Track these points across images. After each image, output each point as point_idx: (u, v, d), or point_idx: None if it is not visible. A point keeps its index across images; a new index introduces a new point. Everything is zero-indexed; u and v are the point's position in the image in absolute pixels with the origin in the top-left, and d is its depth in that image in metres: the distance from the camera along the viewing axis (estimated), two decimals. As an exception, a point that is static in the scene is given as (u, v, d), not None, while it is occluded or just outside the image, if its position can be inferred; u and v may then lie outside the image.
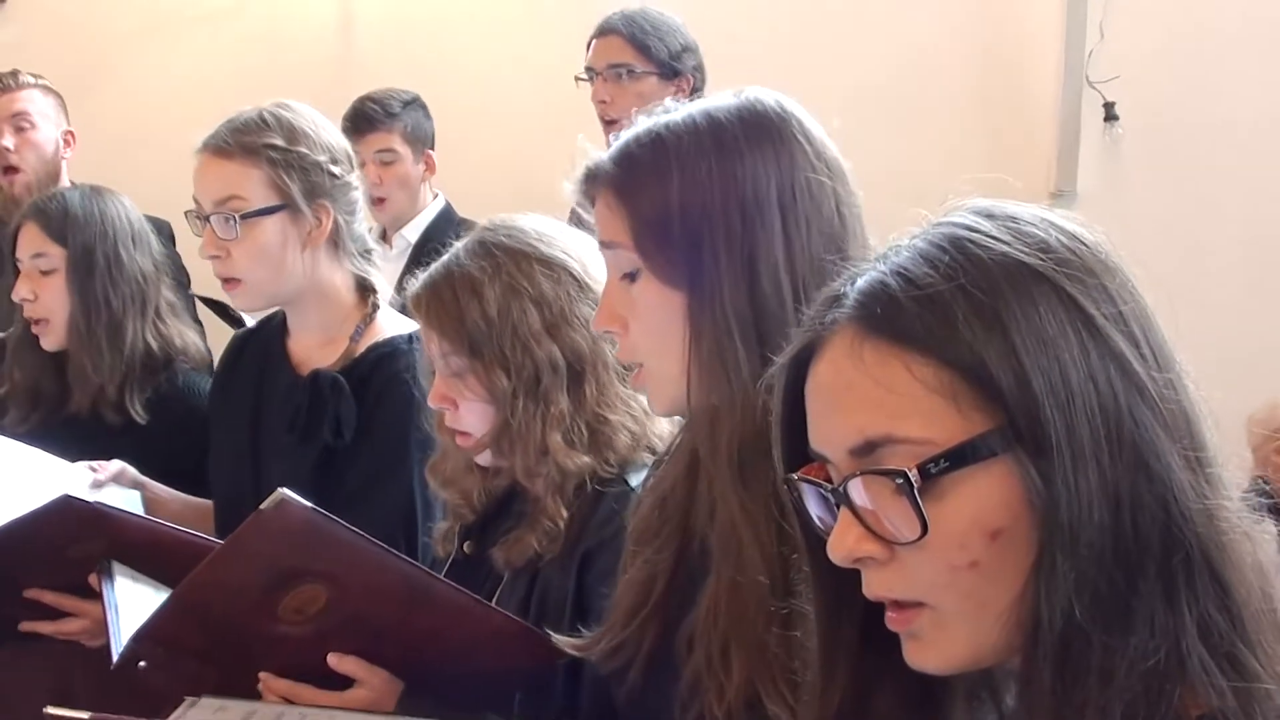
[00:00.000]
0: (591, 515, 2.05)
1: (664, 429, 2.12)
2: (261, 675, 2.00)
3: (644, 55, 3.86)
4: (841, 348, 1.12)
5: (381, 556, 1.95)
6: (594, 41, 3.94)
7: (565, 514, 2.06)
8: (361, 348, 2.70)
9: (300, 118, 2.72)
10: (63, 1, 5.85)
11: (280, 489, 1.87)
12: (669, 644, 1.66)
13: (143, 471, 2.90)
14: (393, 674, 2.00)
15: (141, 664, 2.07)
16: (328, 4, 5.58)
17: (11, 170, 4.33)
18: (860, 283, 1.14)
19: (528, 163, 5.21)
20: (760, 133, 1.61)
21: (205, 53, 5.68)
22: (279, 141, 2.66)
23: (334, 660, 1.98)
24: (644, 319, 1.63)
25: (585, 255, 2.14)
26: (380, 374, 2.66)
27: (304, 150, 2.67)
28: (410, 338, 2.69)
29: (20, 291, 3.09)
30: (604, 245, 1.66)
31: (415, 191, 4.46)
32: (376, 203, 4.39)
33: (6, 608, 2.62)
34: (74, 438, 2.98)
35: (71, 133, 4.45)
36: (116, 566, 2.36)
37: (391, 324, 2.75)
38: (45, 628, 2.61)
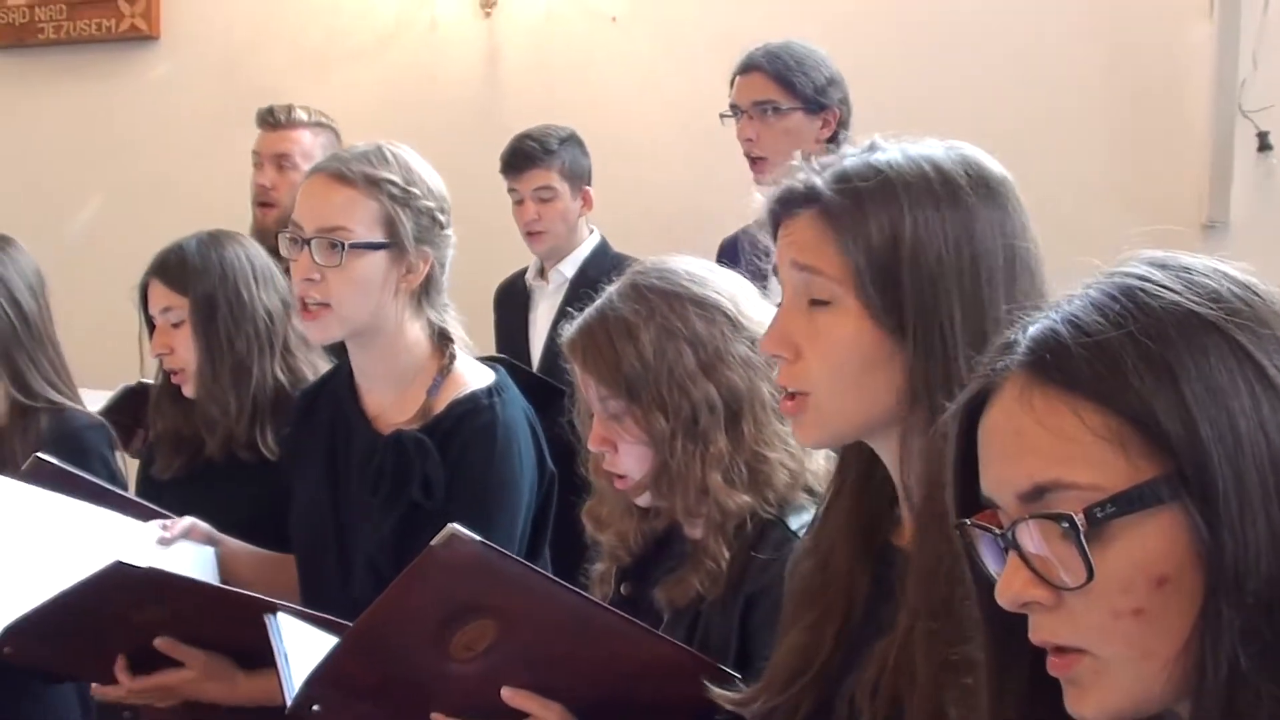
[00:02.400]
0: (753, 557, 2.05)
1: (820, 467, 2.11)
2: (434, 716, 2.01)
3: (789, 91, 3.82)
4: (1013, 394, 1.14)
5: (551, 588, 1.96)
6: (737, 78, 3.91)
7: (727, 554, 2.06)
8: (441, 403, 2.67)
9: (417, 162, 2.71)
10: (215, 38, 5.99)
11: (450, 524, 1.88)
12: (828, 708, 1.65)
13: (280, 506, 2.93)
14: (566, 707, 1.99)
15: (315, 708, 2.08)
16: (473, 41, 5.64)
17: (268, 205, 4.42)
18: (1032, 330, 1.15)
19: (675, 198, 5.27)
20: (987, 192, 1.58)
21: (353, 89, 5.76)
22: (398, 179, 2.65)
23: (508, 695, 1.98)
24: (829, 351, 1.59)
25: (737, 294, 2.14)
26: (463, 431, 2.63)
27: (418, 192, 2.66)
28: (491, 390, 2.68)
29: (156, 346, 3.13)
30: (797, 267, 1.60)
31: (573, 227, 4.48)
32: (533, 236, 4.43)
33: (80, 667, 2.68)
34: (215, 480, 3.04)
35: None
36: (282, 615, 2.39)
37: (471, 375, 2.72)
38: (112, 694, 2.65)
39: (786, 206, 1.63)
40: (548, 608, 1.96)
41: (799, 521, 2.06)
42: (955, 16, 5.11)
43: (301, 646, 2.31)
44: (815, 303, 1.60)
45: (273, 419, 3.08)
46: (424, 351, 2.72)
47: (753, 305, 2.15)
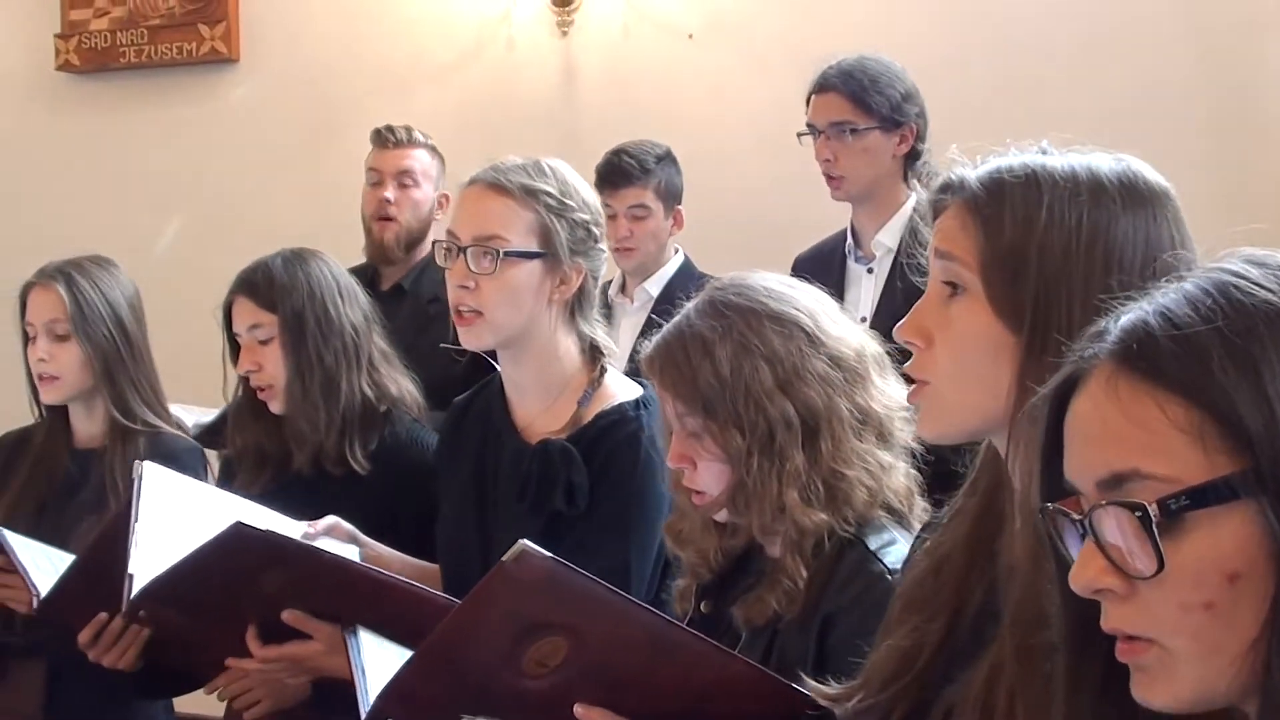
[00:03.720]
0: (831, 576, 2.04)
1: (900, 485, 2.11)
2: None
3: (864, 111, 3.80)
4: (1099, 382, 1.14)
5: (623, 605, 1.95)
6: (813, 98, 3.89)
7: (804, 573, 2.05)
8: (590, 414, 2.69)
9: (572, 175, 2.73)
10: (294, 60, 6.04)
11: (521, 540, 1.87)
12: (923, 713, 1.63)
13: (368, 520, 2.95)
14: None
15: None
16: (550, 59, 5.66)
17: (386, 220, 4.48)
18: (1123, 319, 1.16)
19: (752, 214, 5.26)
20: (1137, 200, 1.55)
21: (431, 109, 5.78)
22: (554, 190, 2.66)
23: (580, 711, 1.97)
24: (956, 342, 1.58)
25: (817, 310, 2.14)
26: (608, 441, 2.66)
27: (573, 204, 2.68)
28: (638, 403, 2.70)
29: (244, 364, 3.16)
30: (938, 254, 1.60)
31: (663, 246, 4.48)
32: (622, 252, 4.43)
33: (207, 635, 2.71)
34: (301, 495, 3.05)
35: (446, 195, 4.53)
36: (361, 629, 2.40)
37: (620, 388, 2.74)
38: (248, 664, 2.67)
39: (940, 197, 1.63)
40: (620, 625, 1.95)
41: (878, 541, 2.06)
42: (1038, 22, 5.07)
43: (380, 661, 2.32)
44: (952, 291, 1.59)
45: (361, 433, 3.11)
46: (574, 363, 2.75)
47: (833, 322, 2.14)
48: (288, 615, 2.57)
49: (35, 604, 2.91)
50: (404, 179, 4.52)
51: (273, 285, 3.13)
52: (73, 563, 2.90)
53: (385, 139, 4.58)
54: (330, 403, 3.10)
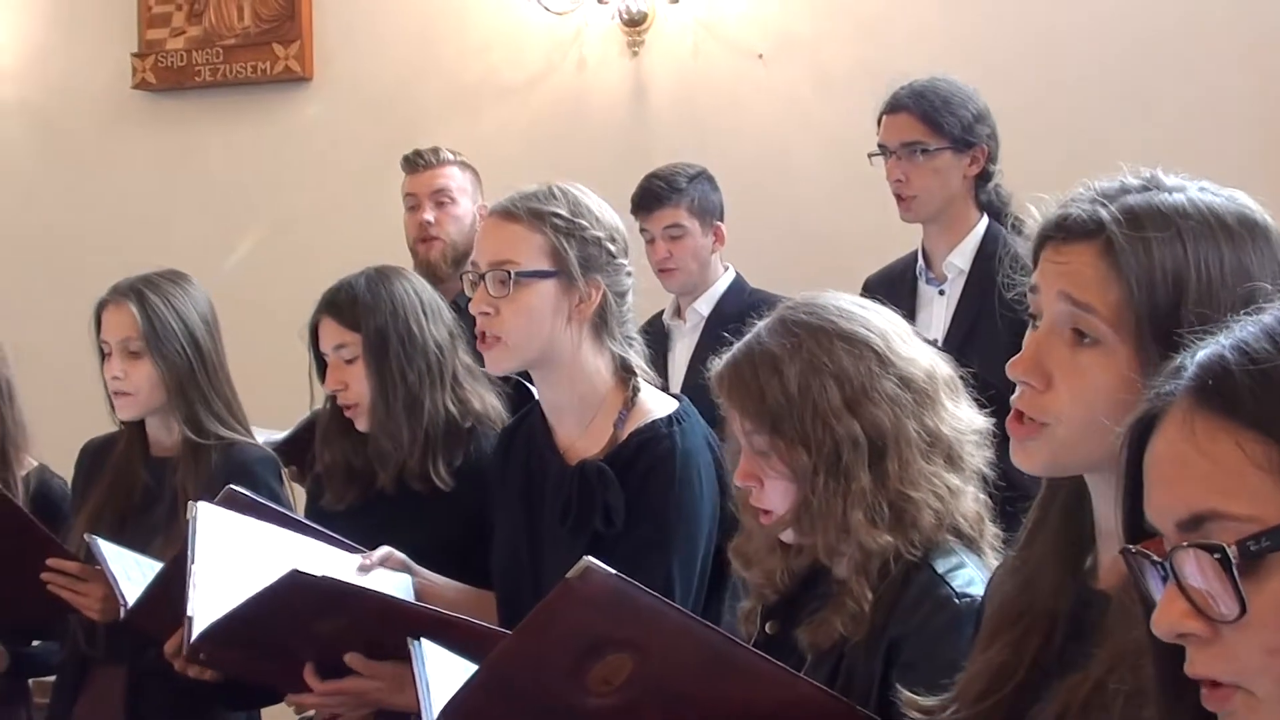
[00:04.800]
0: (898, 600, 2.02)
1: (969, 509, 2.09)
2: None
3: (936, 131, 3.79)
4: (1176, 420, 1.11)
5: (688, 624, 1.94)
6: (884, 118, 3.88)
7: (870, 595, 2.03)
8: (625, 433, 2.71)
9: (586, 196, 2.77)
10: (366, 79, 6.08)
11: (585, 558, 1.88)
12: None
13: (451, 537, 2.99)
14: None
15: None
16: (620, 79, 5.67)
17: (430, 239, 4.52)
18: (1200, 355, 1.13)
19: (822, 234, 5.26)
20: (1259, 235, 1.52)
21: (502, 128, 5.82)
22: (563, 211, 2.70)
23: None
24: (1089, 393, 1.53)
25: (888, 331, 2.12)
26: (643, 459, 2.67)
27: (585, 223, 2.71)
28: (671, 419, 2.71)
29: (330, 383, 3.18)
30: (1068, 299, 1.54)
31: (706, 264, 4.47)
32: (665, 274, 4.43)
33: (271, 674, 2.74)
34: (386, 511, 3.08)
35: (485, 206, 4.56)
36: (426, 644, 2.40)
37: (655, 404, 2.76)
38: (309, 700, 2.70)
39: (1064, 233, 1.56)
40: (685, 643, 1.94)
41: (946, 564, 2.04)
42: (1107, 46, 5.05)
43: (445, 674, 2.33)
44: (1080, 338, 1.54)
45: (444, 450, 3.13)
46: (606, 383, 2.77)
47: (904, 342, 2.13)
48: (350, 659, 2.60)
49: (124, 613, 2.95)
50: (440, 198, 4.55)
51: (356, 305, 3.16)
52: (158, 574, 2.94)
53: (415, 163, 4.62)
54: (414, 420, 3.12)
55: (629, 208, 4.88)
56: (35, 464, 3.71)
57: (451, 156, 4.62)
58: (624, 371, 2.78)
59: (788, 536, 2.15)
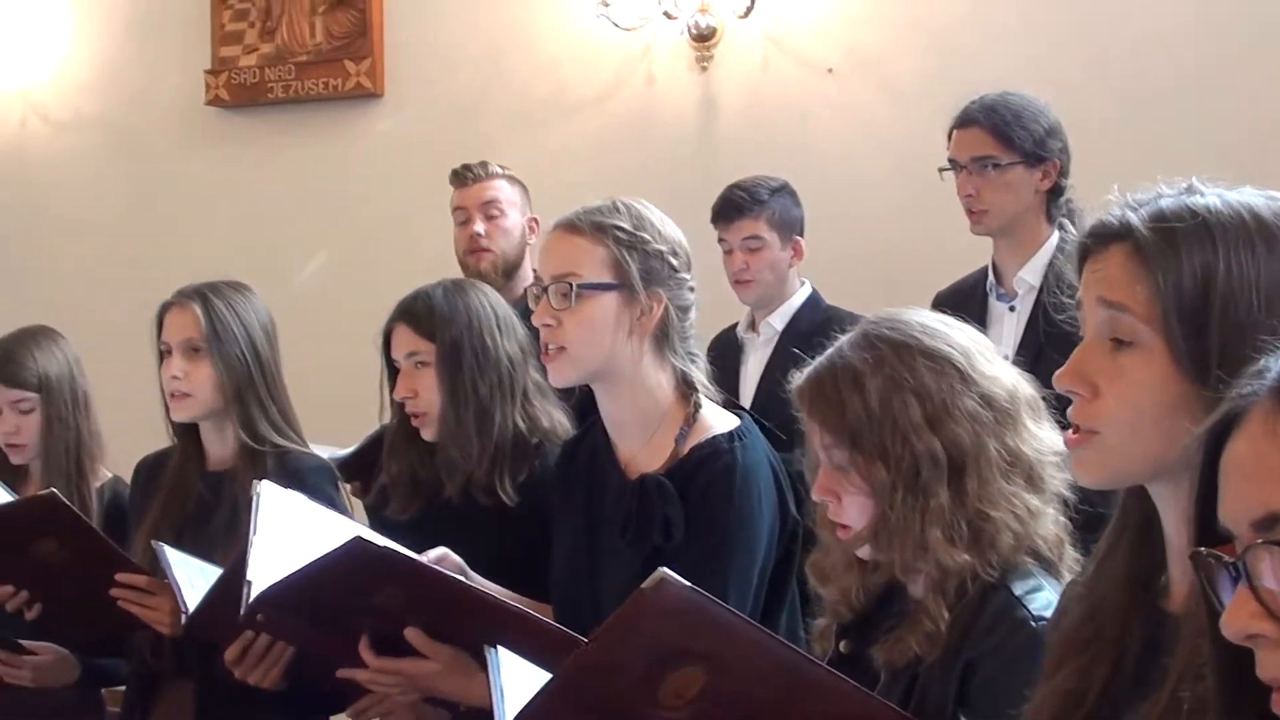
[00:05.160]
0: (974, 621, 2.01)
1: (1049, 532, 2.07)
2: None
3: (1007, 146, 3.76)
4: (1257, 420, 1.12)
5: (761, 639, 1.94)
6: (955, 132, 3.86)
7: (946, 615, 2.02)
8: (686, 448, 2.71)
9: (649, 211, 2.78)
10: (437, 94, 6.11)
11: (660, 569, 1.87)
12: None
13: (512, 552, 2.99)
14: None
15: None
16: (689, 93, 5.67)
17: (481, 252, 4.53)
18: None
19: (893, 249, 5.24)
20: None
21: (571, 143, 5.84)
22: (625, 225, 2.72)
23: None
24: (1128, 392, 1.54)
25: (971, 349, 2.11)
26: (703, 474, 2.67)
27: (647, 237, 2.72)
28: (732, 435, 2.71)
29: (400, 390, 3.20)
30: (1104, 303, 1.55)
31: (783, 277, 4.45)
32: (741, 285, 4.42)
33: (325, 646, 2.72)
34: (449, 523, 3.08)
35: (535, 219, 4.61)
36: (502, 651, 2.41)
37: (716, 420, 2.76)
38: (361, 675, 2.67)
39: (1098, 240, 1.58)
40: (758, 658, 1.94)
41: (1023, 586, 2.02)
42: (1181, 59, 5.01)
43: (518, 681, 2.33)
44: (1119, 342, 1.55)
45: (511, 465, 3.14)
46: (668, 398, 2.77)
47: (986, 361, 2.12)
48: (410, 633, 2.59)
49: (183, 620, 2.95)
50: (489, 210, 4.56)
51: (433, 314, 3.18)
52: (216, 580, 2.94)
53: (464, 177, 4.63)
54: (483, 433, 3.14)
55: (698, 222, 4.89)
56: (110, 475, 3.75)
57: (500, 170, 4.64)
58: (686, 387, 2.78)
59: (864, 553, 2.14)
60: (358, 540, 2.48)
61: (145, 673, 3.40)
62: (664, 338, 2.75)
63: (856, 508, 2.10)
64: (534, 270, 4.52)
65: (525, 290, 4.39)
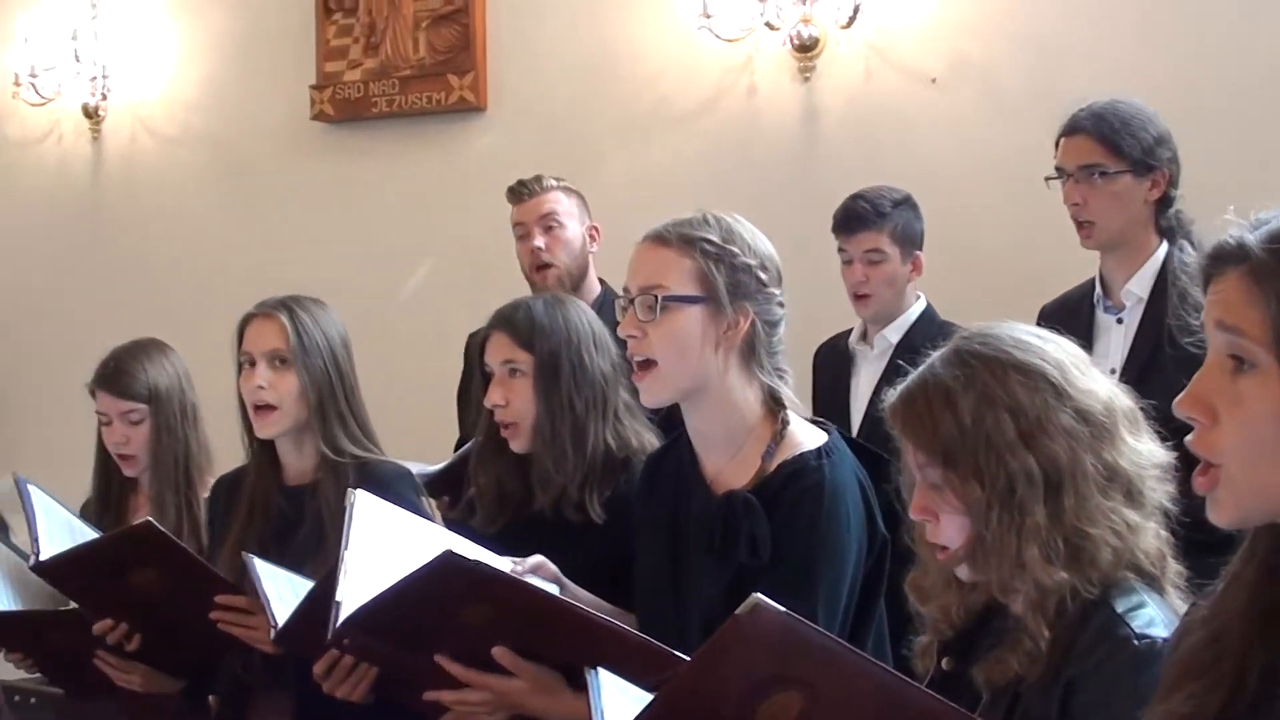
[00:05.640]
0: (1076, 639, 1.98)
1: (1151, 547, 2.04)
2: None
3: (1116, 154, 3.70)
4: None
5: (858, 662, 1.93)
6: (1062, 141, 3.81)
7: (1047, 634, 1.99)
8: (773, 465, 2.70)
9: (740, 225, 2.76)
10: (539, 107, 6.13)
11: (755, 594, 1.87)
12: None
13: (597, 569, 2.98)
14: None
15: None
16: (791, 104, 5.65)
17: (544, 267, 4.55)
18: None
19: (998, 262, 5.18)
20: None
21: (673, 154, 5.83)
22: (714, 238, 2.70)
23: None
24: (1251, 422, 1.50)
25: (1065, 362, 2.08)
26: (790, 492, 2.65)
27: (736, 250, 2.71)
28: (819, 452, 2.69)
29: (492, 397, 3.19)
30: (1222, 327, 1.52)
31: (901, 292, 4.38)
32: (859, 299, 4.36)
33: (412, 669, 2.70)
34: (538, 537, 3.06)
35: (596, 227, 4.66)
36: (603, 673, 2.40)
37: (804, 436, 2.73)
38: (447, 697, 2.65)
39: (1216, 263, 1.55)
40: (855, 682, 1.93)
41: (1126, 603, 1.99)
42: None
43: (618, 703, 2.33)
44: (1238, 366, 1.51)
45: (601, 482, 3.14)
46: (755, 414, 2.75)
47: (1081, 374, 2.09)
48: (497, 651, 2.57)
49: (272, 634, 2.95)
50: (548, 222, 4.58)
51: (533, 325, 3.19)
52: (306, 595, 2.94)
53: (520, 193, 4.66)
54: (578, 449, 3.14)
55: (799, 233, 4.87)
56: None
57: (555, 183, 4.65)
58: (773, 403, 2.76)
59: (962, 573, 2.12)
60: (449, 554, 2.47)
61: (238, 687, 3.43)
62: (751, 353, 2.74)
63: (954, 527, 2.08)
64: (600, 279, 4.57)
65: (594, 300, 4.44)
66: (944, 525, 2.09)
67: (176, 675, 3.50)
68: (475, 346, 4.53)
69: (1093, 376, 2.10)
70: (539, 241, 4.56)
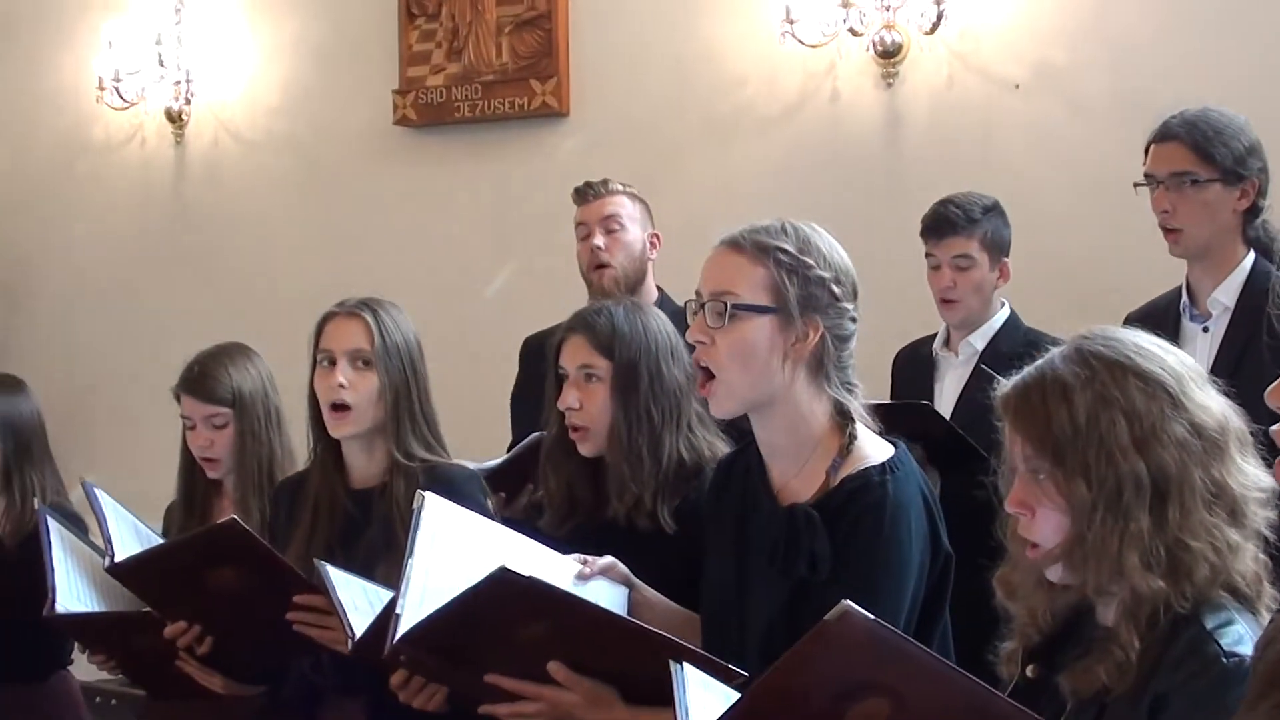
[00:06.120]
0: (1165, 652, 1.97)
1: (1248, 568, 2.02)
2: None
3: (1207, 162, 3.67)
4: None
5: (945, 671, 1.92)
6: (1153, 147, 3.78)
7: (1137, 645, 1.98)
8: (838, 479, 2.68)
9: (818, 236, 2.74)
10: (622, 113, 6.15)
11: (843, 600, 1.87)
12: None
13: (667, 577, 2.96)
14: None
15: None
16: (874, 110, 5.63)
17: (601, 267, 4.58)
18: None
19: (1082, 270, 5.15)
20: None
21: (755, 160, 5.83)
22: (789, 248, 2.68)
23: None
24: None
25: (1183, 375, 2.07)
26: (853, 507, 2.63)
27: (810, 262, 2.69)
28: (884, 468, 2.66)
29: (567, 399, 3.18)
30: None
31: (988, 298, 4.37)
32: (947, 305, 4.36)
33: (468, 685, 2.69)
34: (607, 542, 3.05)
35: (657, 235, 4.68)
36: (688, 669, 2.40)
37: (871, 450, 2.71)
38: (502, 710, 2.64)
39: None
40: (941, 690, 1.92)
41: (1215, 620, 1.97)
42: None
43: (702, 699, 2.32)
44: None
45: (673, 491, 3.13)
46: (822, 426, 2.73)
47: (1199, 389, 2.08)
48: (552, 667, 2.56)
49: (350, 645, 2.94)
50: (609, 224, 4.61)
51: (614, 332, 3.18)
52: (386, 605, 2.92)
53: (585, 194, 4.69)
54: (653, 458, 3.13)
55: (881, 239, 4.86)
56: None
57: (620, 187, 4.68)
58: (841, 417, 2.74)
59: (1054, 573, 2.11)
60: (503, 571, 2.46)
61: (308, 690, 3.43)
62: (819, 366, 2.71)
63: (1050, 524, 2.07)
64: (658, 287, 4.59)
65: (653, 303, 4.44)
66: (1039, 521, 2.08)
67: (245, 680, 3.49)
68: (531, 350, 4.63)
69: (1209, 393, 2.09)
70: (599, 241, 4.59)
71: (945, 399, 4.38)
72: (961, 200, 4.38)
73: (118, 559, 3.29)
